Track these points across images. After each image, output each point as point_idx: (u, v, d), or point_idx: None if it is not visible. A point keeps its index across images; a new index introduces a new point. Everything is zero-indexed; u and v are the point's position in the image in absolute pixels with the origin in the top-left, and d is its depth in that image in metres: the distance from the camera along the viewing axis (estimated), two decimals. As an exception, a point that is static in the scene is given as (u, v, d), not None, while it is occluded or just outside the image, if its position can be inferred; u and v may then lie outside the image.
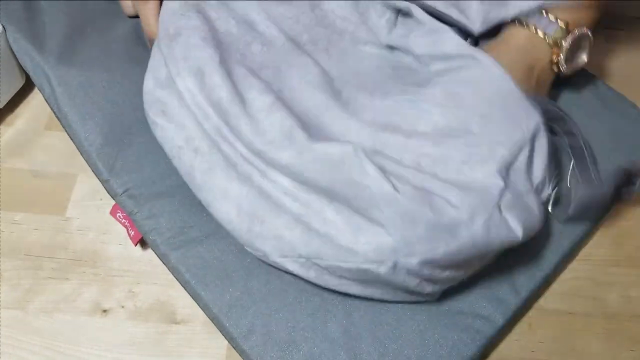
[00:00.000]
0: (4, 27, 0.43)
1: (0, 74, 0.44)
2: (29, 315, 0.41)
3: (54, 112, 0.43)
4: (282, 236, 0.35)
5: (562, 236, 0.41)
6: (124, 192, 0.40)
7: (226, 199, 0.36)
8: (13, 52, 0.44)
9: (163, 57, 0.39)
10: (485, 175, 0.35)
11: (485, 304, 0.39)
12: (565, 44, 0.39)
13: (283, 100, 0.39)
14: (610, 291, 0.42)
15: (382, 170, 0.34)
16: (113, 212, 0.41)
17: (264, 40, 0.42)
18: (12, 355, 0.39)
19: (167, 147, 0.39)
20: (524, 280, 0.40)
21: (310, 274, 0.36)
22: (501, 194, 0.34)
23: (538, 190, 0.37)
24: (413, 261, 0.32)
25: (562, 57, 0.40)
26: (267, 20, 0.42)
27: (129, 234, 0.41)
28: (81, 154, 0.42)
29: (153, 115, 0.39)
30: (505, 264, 0.39)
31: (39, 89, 0.43)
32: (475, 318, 0.38)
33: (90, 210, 0.44)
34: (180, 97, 0.38)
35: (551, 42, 0.39)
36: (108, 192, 0.41)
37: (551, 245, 0.41)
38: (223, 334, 0.38)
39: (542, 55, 0.40)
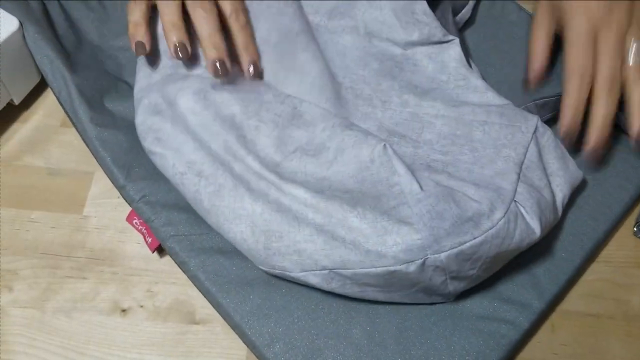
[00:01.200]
0: (21, 23, 0.42)
1: (16, 70, 0.43)
2: (47, 314, 0.40)
3: (69, 117, 0.42)
4: (303, 250, 0.34)
5: (585, 238, 0.41)
6: (140, 198, 0.40)
7: (238, 218, 0.36)
8: (29, 49, 0.43)
9: (152, 80, 0.40)
10: (497, 172, 0.36)
11: (510, 309, 0.38)
12: None
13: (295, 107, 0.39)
14: (632, 293, 0.42)
15: (410, 167, 0.34)
16: (129, 219, 0.41)
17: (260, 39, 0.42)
18: (30, 355, 0.39)
19: (169, 175, 0.39)
20: (548, 283, 0.39)
21: (332, 285, 0.35)
22: (515, 189, 0.35)
23: (556, 184, 0.38)
24: (442, 256, 0.33)
25: None
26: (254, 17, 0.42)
27: (146, 241, 0.40)
28: (96, 159, 0.41)
29: (149, 145, 0.39)
30: (527, 267, 0.39)
31: (54, 93, 0.43)
32: (500, 323, 0.38)
33: (107, 208, 0.44)
34: (174, 121, 0.38)
35: None
36: (124, 199, 0.40)
37: (574, 247, 0.40)
38: (245, 342, 0.38)
39: None
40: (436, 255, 0.32)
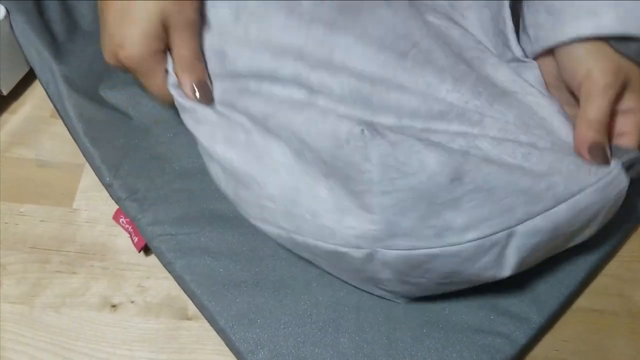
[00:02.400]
0: (8, 11, 0.41)
1: (2, 59, 0.42)
2: (36, 310, 0.39)
3: (57, 111, 0.41)
4: (265, 206, 0.34)
5: (589, 251, 0.39)
6: (127, 197, 0.39)
7: (211, 158, 0.35)
8: (17, 38, 0.42)
9: None
10: (524, 191, 0.31)
11: (507, 322, 0.37)
12: None
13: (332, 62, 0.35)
14: (637, 289, 0.41)
15: (385, 158, 0.31)
16: (116, 217, 0.40)
17: None
18: (18, 352, 0.38)
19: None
20: (548, 297, 0.37)
21: (288, 245, 0.35)
22: (523, 220, 0.31)
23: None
24: (391, 254, 0.31)
25: None
26: None
27: (133, 240, 0.39)
28: (84, 156, 0.40)
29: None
30: (528, 279, 0.38)
31: (42, 85, 0.42)
32: (495, 337, 0.36)
33: (98, 201, 0.43)
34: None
35: None
36: (111, 197, 0.39)
37: (579, 260, 0.39)
38: (229, 348, 0.37)
39: None
40: (386, 251, 0.31)
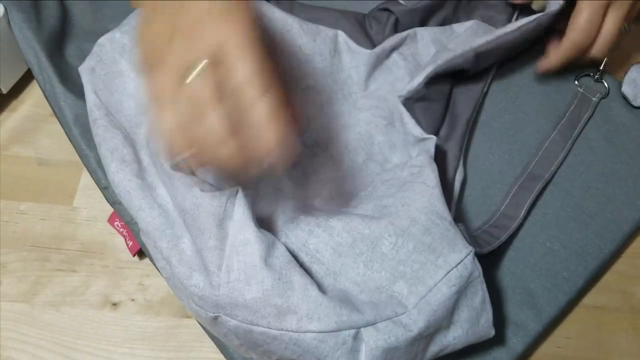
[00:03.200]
0: (6, 9, 0.41)
1: (2, 58, 0.42)
2: (36, 308, 0.39)
3: (54, 112, 0.41)
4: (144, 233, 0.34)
5: (590, 257, 0.38)
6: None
7: (107, 176, 0.36)
8: (15, 37, 0.41)
9: None
10: (372, 300, 0.31)
11: (504, 329, 0.36)
12: None
13: None
14: (639, 285, 0.40)
15: (252, 219, 0.30)
16: (111, 221, 0.39)
17: None
18: (19, 350, 0.37)
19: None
20: (547, 304, 0.37)
21: (169, 273, 0.34)
22: (371, 321, 0.30)
23: (453, 335, 0.32)
24: (232, 323, 0.30)
25: None
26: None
27: (127, 245, 0.39)
28: (80, 158, 0.40)
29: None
30: (526, 285, 0.37)
31: (40, 86, 0.41)
32: (492, 344, 0.35)
33: (98, 199, 0.42)
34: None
35: None
36: (107, 200, 0.39)
37: (577, 267, 0.38)
38: (223, 354, 0.36)
39: None
40: (227, 319, 0.30)
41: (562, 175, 0.41)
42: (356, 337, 0.29)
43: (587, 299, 0.40)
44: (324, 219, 0.33)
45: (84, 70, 0.37)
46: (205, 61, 0.25)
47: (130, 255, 0.40)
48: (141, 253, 0.40)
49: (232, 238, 0.30)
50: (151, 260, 0.37)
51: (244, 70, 0.25)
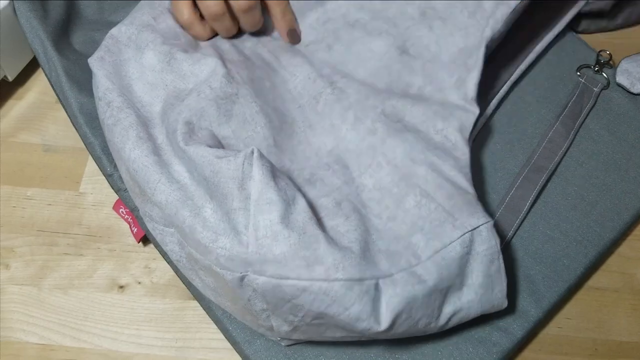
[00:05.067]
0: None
1: (7, 46, 0.42)
2: (44, 291, 0.39)
3: (60, 100, 0.41)
4: (161, 208, 0.33)
5: (590, 245, 0.39)
6: (127, 188, 0.39)
7: (120, 159, 0.35)
8: (21, 26, 0.41)
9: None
10: (389, 249, 0.32)
11: (504, 315, 0.36)
12: None
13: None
14: (638, 266, 0.41)
15: (273, 177, 0.31)
16: (116, 208, 0.40)
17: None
18: (27, 332, 0.38)
19: (94, 95, 0.37)
20: (547, 291, 0.37)
21: (183, 253, 0.34)
22: (389, 272, 0.31)
23: (467, 299, 0.33)
24: (260, 280, 0.30)
25: None
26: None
27: (132, 231, 0.39)
28: (85, 146, 0.40)
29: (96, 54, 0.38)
30: (526, 272, 0.38)
31: (45, 74, 0.42)
32: (492, 330, 0.36)
33: (104, 184, 0.43)
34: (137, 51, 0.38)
35: None
36: (112, 187, 0.39)
37: (577, 254, 0.38)
38: (226, 337, 0.37)
39: None
40: (255, 276, 0.30)
41: (563, 165, 0.41)
42: (377, 287, 0.30)
43: (588, 281, 0.40)
44: (357, 174, 0.36)
45: (94, 61, 0.37)
46: None
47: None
48: (146, 239, 0.40)
49: (255, 197, 0.30)
50: (156, 246, 0.38)
51: None
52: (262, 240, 0.30)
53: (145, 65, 0.37)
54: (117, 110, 0.35)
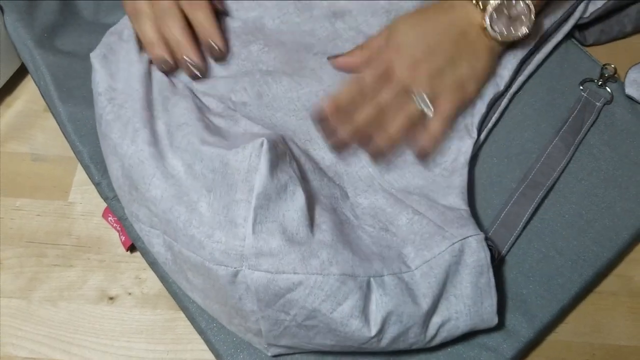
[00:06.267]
0: (1, 8, 0.40)
1: (-4, 52, 0.41)
2: (33, 304, 0.39)
3: (49, 108, 0.41)
4: (149, 208, 0.33)
5: (586, 265, 0.38)
6: (114, 196, 0.38)
7: (115, 155, 0.35)
8: (9, 34, 0.41)
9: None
10: (383, 255, 0.33)
11: (494, 335, 0.36)
12: (490, 7, 0.36)
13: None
14: (636, 269, 0.40)
15: (277, 170, 0.32)
16: (105, 215, 0.40)
17: (268, 41, 0.40)
18: (16, 346, 0.38)
19: (94, 89, 0.37)
20: (539, 311, 0.36)
21: (168, 256, 0.34)
22: (381, 273, 0.32)
23: (454, 309, 0.33)
24: (255, 275, 0.30)
25: (487, 20, 0.37)
26: (280, 24, 0.41)
27: (120, 239, 0.39)
28: (75, 154, 0.40)
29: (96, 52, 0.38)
30: (519, 291, 0.37)
31: (34, 82, 0.41)
32: (481, 349, 0.35)
33: (93, 194, 0.42)
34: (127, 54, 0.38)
35: (480, 5, 0.37)
36: (100, 195, 0.39)
37: (572, 274, 0.37)
38: (210, 349, 0.37)
39: (473, 19, 0.37)
40: (250, 271, 0.30)
41: (561, 181, 0.40)
42: (368, 285, 0.31)
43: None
44: (352, 194, 0.37)
45: (96, 57, 0.37)
46: None
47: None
48: (134, 248, 0.40)
49: (258, 190, 0.30)
50: (143, 255, 0.38)
51: None
52: (259, 234, 0.30)
53: (146, 61, 0.37)
54: (118, 107, 0.35)
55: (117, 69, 0.37)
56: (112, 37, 0.38)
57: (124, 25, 0.39)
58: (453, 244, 0.32)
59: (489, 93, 0.40)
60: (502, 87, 0.40)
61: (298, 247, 0.30)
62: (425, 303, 0.32)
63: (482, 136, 0.40)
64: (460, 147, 0.38)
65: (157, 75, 0.37)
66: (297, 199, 0.31)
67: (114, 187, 0.37)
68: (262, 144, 0.31)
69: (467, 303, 0.33)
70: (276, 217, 0.30)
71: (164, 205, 0.32)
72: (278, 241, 0.30)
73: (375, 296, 0.31)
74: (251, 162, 0.31)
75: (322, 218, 0.33)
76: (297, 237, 0.31)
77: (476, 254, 0.32)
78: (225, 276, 0.30)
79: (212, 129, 0.35)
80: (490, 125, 0.41)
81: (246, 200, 0.30)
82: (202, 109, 0.36)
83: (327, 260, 0.30)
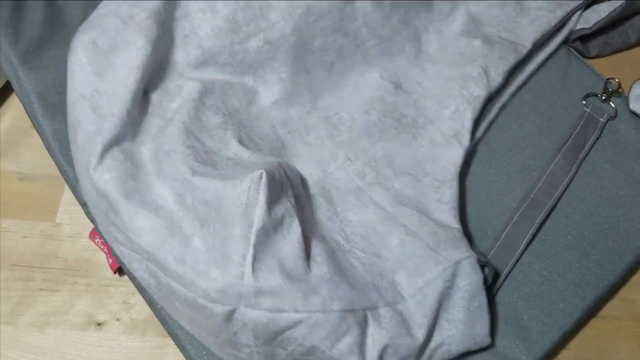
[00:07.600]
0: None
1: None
2: (19, 330, 0.38)
3: (34, 126, 0.40)
4: (130, 238, 0.31)
5: (588, 288, 0.36)
6: None
7: (88, 179, 0.33)
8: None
9: None
10: (376, 286, 0.33)
11: None
12: None
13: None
14: (640, 293, 0.39)
15: (275, 204, 0.30)
16: (92, 237, 0.39)
17: (268, 36, 0.38)
18: (2, 373, 0.37)
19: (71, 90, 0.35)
20: (540, 337, 0.35)
21: (151, 282, 0.33)
22: (376, 306, 0.32)
23: (447, 334, 0.33)
24: (254, 314, 0.29)
25: None
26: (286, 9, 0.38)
27: (108, 262, 0.38)
28: (61, 173, 0.39)
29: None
30: (518, 316, 0.36)
31: (19, 99, 0.40)
32: None
33: (81, 214, 0.41)
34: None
35: None
36: (87, 216, 0.38)
37: (574, 298, 0.36)
38: None
39: None
40: (248, 310, 0.29)
41: (563, 200, 0.39)
42: (365, 319, 0.31)
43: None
44: (342, 209, 0.36)
45: (82, 45, 0.33)
46: None
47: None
48: (122, 270, 0.39)
49: (258, 226, 0.29)
50: (131, 279, 0.36)
51: None
52: (259, 272, 0.29)
53: (146, 61, 0.34)
54: (102, 118, 0.33)
55: (107, 63, 0.33)
56: (108, 17, 0.33)
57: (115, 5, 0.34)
58: (446, 268, 0.32)
59: (481, 95, 0.39)
60: (493, 88, 0.39)
61: (298, 284, 0.29)
62: (420, 334, 0.31)
63: (477, 137, 0.39)
64: (450, 156, 0.37)
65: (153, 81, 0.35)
66: (293, 232, 0.31)
67: (88, 204, 0.35)
68: (260, 177, 0.30)
69: (460, 328, 0.32)
70: (274, 253, 0.29)
71: (152, 237, 0.30)
72: (278, 279, 0.29)
73: (371, 330, 0.30)
74: (250, 196, 0.30)
75: (317, 249, 0.32)
76: (295, 272, 0.30)
77: (469, 277, 0.32)
78: (221, 314, 0.29)
79: (201, 156, 0.33)
80: (479, 134, 0.40)
81: (244, 237, 0.29)
82: (190, 131, 0.35)
83: (328, 296, 0.30)
